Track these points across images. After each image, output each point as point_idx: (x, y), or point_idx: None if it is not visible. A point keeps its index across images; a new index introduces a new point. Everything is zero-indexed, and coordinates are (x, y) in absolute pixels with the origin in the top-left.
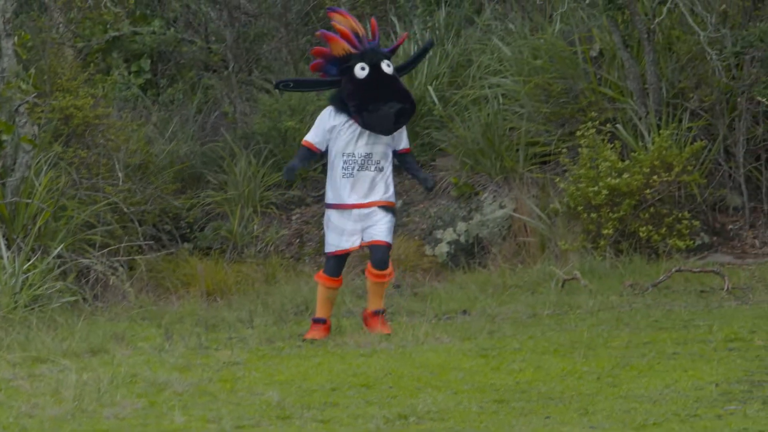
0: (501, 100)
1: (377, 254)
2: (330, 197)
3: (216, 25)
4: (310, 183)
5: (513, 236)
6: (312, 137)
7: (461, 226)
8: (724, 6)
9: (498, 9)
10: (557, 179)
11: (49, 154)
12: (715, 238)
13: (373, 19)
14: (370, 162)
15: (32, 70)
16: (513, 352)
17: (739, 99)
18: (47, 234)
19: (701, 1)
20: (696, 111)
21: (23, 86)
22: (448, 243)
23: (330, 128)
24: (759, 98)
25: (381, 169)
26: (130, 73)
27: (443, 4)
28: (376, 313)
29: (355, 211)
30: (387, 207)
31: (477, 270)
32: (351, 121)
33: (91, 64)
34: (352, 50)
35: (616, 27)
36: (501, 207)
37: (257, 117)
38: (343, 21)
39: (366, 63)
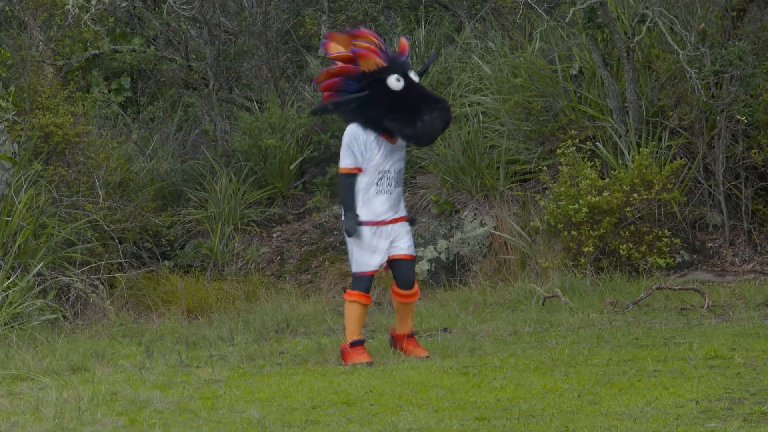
0: (481, 118)
1: (405, 272)
2: (361, 215)
3: (196, 43)
4: (290, 201)
5: (494, 254)
6: (352, 162)
7: (442, 243)
8: (703, 25)
9: (478, 27)
10: (537, 197)
11: (29, 172)
12: (695, 256)
13: (404, 39)
14: (400, 177)
15: (12, 88)
16: (494, 369)
17: (718, 117)
18: (27, 252)
19: (680, 20)
20: (675, 129)
21: (3, 104)
22: (429, 261)
23: (364, 144)
24: (738, 117)
25: (402, 184)
26: (110, 91)
27: (423, 23)
28: (411, 336)
29: (388, 227)
30: (406, 221)
31: (458, 287)
32: (380, 138)
33: (71, 82)
34: (385, 64)
35: (595, 45)
36: (481, 225)
37: (237, 135)
38: (367, 39)
39: (399, 74)
